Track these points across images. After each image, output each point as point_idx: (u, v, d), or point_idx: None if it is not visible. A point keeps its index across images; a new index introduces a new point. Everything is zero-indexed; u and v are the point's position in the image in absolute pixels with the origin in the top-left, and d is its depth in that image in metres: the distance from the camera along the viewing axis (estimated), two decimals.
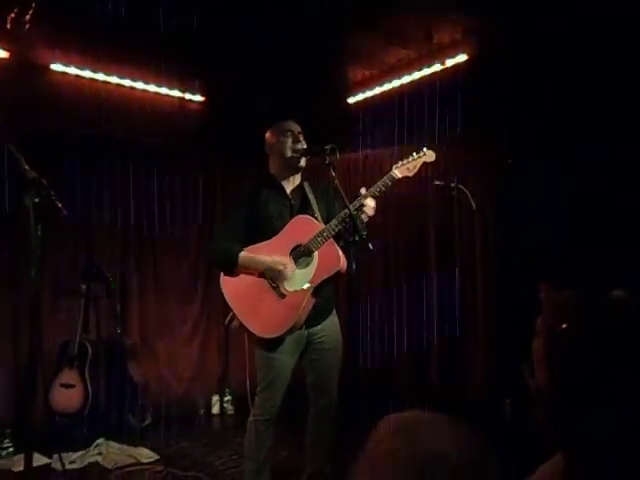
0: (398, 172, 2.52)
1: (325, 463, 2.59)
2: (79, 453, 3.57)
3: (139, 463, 3.52)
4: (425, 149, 2.60)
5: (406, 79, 4.16)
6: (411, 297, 4.22)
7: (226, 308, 2.56)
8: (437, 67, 3.93)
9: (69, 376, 3.82)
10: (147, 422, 4.32)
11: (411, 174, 2.55)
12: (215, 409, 4.77)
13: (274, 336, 2.45)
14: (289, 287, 2.48)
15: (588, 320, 0.98)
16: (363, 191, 2.47)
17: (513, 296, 3.45)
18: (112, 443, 3.75)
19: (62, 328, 3.97)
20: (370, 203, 2.44)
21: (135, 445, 3.78)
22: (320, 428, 2.60)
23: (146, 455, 3.62)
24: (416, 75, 4.09)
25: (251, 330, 2.47)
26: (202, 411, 4.73)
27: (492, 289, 3.73)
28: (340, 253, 2.49)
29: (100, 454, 3.61)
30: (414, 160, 2.56)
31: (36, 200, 1.53)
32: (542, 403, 1.01)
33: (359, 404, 3.80)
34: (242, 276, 2.52)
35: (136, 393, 4.32)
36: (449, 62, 3.85)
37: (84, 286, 3.99)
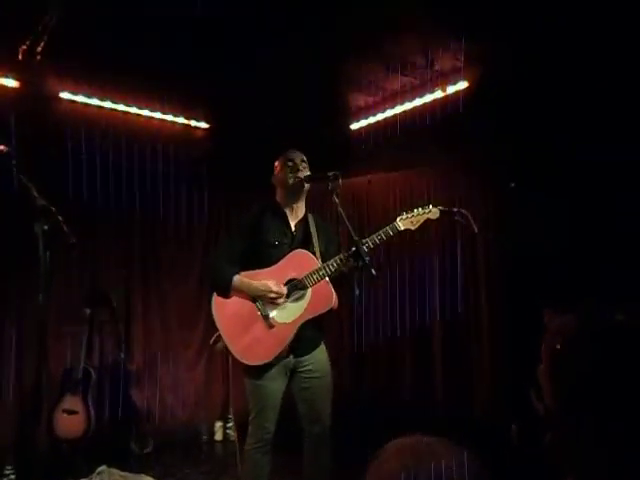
0: (401, 224, 2.57)
1: None
2: None
3: None
4: (430, 206, 2.66)
5: (407, 105, 4.23)
6: (414, 321, 4.21)
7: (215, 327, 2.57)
8: (438, 94, 4.00)
9: (72, 402, 3.80)
10: (149, 449, 4.28)
11: (413, 228, 2.61)
12: (218, 435, 4.73)
13: (257, 364, 2.47)
14: (279, 319, 2.50)
15: (586, 342, 1.01)
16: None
17: (518, 320, 3.45)
18: (114, 470, 3.70)
19: (65, 353, 3.96)
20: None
21: (137, 472, 3.73)
22: (316, 456, 2.58)
23: None
24: (417, 102, 4.16)
25: (233, 353, 2.48)
26: (205, 437, 4.69)
27: (496, 313, 3.72)
28: (333, 292, 2.52)
29: None
30: (419, 215, 2.61)
31: (45, 227, 1.56)
32: (550, 425, 1.02)
33: (359, 429, 3.76)
34: (234, 300, 2.53)
35: (139, 419, 4.29)
36: (450, 89, 3.92)
37: (88, 311, 4.00)
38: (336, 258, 2.48)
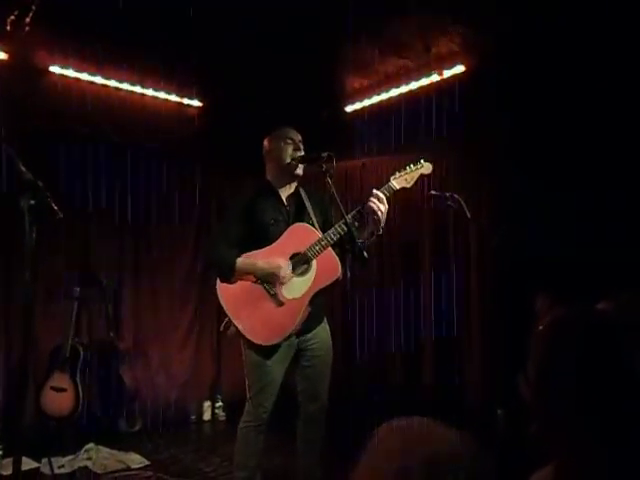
0: (396, 183, 2.53)
1: (317, 468, 2.58)
2: (68, 457, 3.55)
3: (129, 469, 3.50)
4: (422, 161, 2.61)
5: (403, 89, 4.19)
6: (406, 304, 4.22)
7: (220, 314, 2.55)
8: (434, 77, 3.96)
9: (60, 379, 3.79)
10: (138, 427, 4.30)
11: (409, 185, 2.56)
12: (207, 415, 4.75)
13: (273, 343, 2.45)
14: (287, 294, 2.48)
15: (575, 335, 1.02)
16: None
17: (508, 306, 3.46)
18: (102, 448, 3.73)
19: (54, 331, 3.94)
20: (381, 207, 2.41)
21: (125, 450, 3.75)
22: (311, 433, 2.59)
23: (136, 461, 3.60)
24: (413, 85, 4.12)
25: (248, 337, 2.45)
26: (193, 417, 4.71)
27: (487, 299, 3.73)
28: (338, 261, 2.50)
29: (90, 459, 3.58)
30: (412, 172, 2.56)
31: (32, 202, 1.53)
32: (536, 413, 1.03)
33: (352, 410, 3.79)
34: (239, 283, 2.50)
35: (128, 398, 4.30)
36: (446, 73, 3.88)
37: (77, 289, 3.97)
38: (336, 226, 2.44)
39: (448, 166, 4.00)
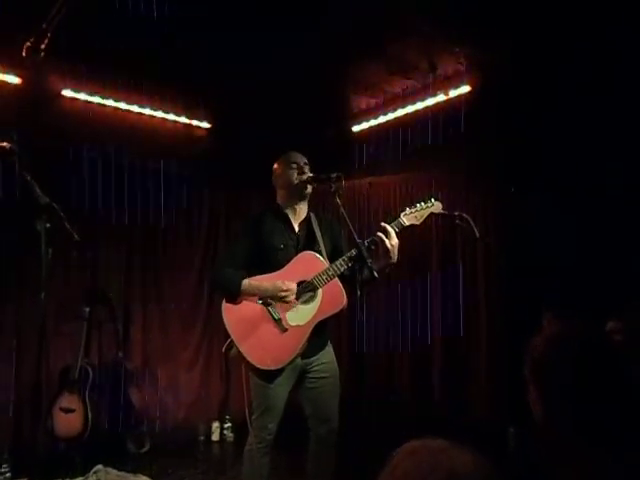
0: (406, 220, 2.55)
1: None
2: (77, 479, 3.52)
3: None
4: (433, 199, 2.64)
5: (410, 109, 4.23)
6: (414, 323, 4.21)
7: (227, 334, 2.55)
8: (440, 97, 4.00)
9: (69, 400, 3.79)
10: (146, 448, 4.27)
11: (418, 223, 2.59)
12: (215, 436, 4.71)
13: (272, 369, 2.45)
14: (291, 321, 2.49)
15: (570, 350, 1.08)
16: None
17: (517, 326, 3.45)
18: (111, 470, 3.69)
19: (64, 352, 3.95)
20: (391, 241, 2.43)
21: (134, 472, 3.72)
22: (322, 456, 2.57)
23: None
24: (419, 105, 4.16)
25: (249, 360, 2.46)
26: (202, 438, 4.67)
27: (496, 318, 3.72)
28: (343, 291, 2.51)
29: None
30: (422, 210, 2.59)
31: (47, 225, 1.56)
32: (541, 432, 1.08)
33: (361, 433, 3.76)
34: (244, 305, 2.51)
35: (136, 418, 4.29)
36: (452, 93, 3.93)
37: (87, 309, 3.99)
38: (344, 257, 2.46)
39: (454, 185, 4.02)
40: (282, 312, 2.49)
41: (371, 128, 4.55)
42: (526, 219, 3.64)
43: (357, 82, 4.16)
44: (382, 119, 4.43)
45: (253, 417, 2.53)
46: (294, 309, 2.49)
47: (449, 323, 3.99)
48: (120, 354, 4.25)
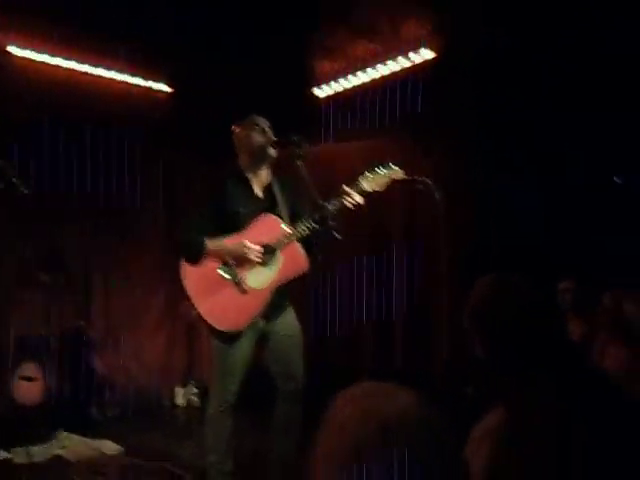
0: (366, 185, 2.49)
1: (291, 451, 2.59)
2: (40, 447, 3.50)
3: (103, 455, 3.48)
4: (392, 165, 2.57)
5: (373, 73, 4.20)
6: (376, 283, 4.28)
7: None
8: (403, 62, 3.99)
9: (29, 369, 3.74)
10: (110, 414, 4.26)
11: (381, 190, 2.54)
12: (179, 400, 4.74)
13: (232, 331, 2.47)
14: (252, 284, 2.49)
15: (507, 294, 1.30)
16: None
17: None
18: (74, 436, 3.70)
19: (22, 320, 3.88)
20: (355, 196, 2.45)
21: (99, 438, 3.73)
22: (288, 414, 2.60)
23: (110, 447, 3.58)
24: (382, 69, 4.13)
25: (208, 321, 2.48)
26: (167, 403, 4.70)
27: (456, 279, 3.82)
28: (304, 256, 2.52)
29: (63, 447, 3.55)
30: (383, 176, 2.53)
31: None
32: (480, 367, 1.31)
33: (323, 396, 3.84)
34: (204, 267, 2.51)
35: (100, 385, 4.27)
36: (416, 57, 3.92)
37: (44, 277, 3.90)
38: (304, 221, 2.46)
39: (416, 150, 4.04)
40: (242, 274, 2.49)
41: (335, 93, 4.50)
42: (491, 185, 3.71)
43: (320, 46, 4.10)
44: (346, 84, 4.39)
45: (214, 379, 2.56)
46: (254, 271, 2.49)
47: (410, 292, 4.08)
48: (82, 322, 4.19)
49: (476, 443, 1.27)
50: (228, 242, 2.50)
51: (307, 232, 2.46)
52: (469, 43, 3.61)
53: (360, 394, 0.82)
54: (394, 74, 4.08)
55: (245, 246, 2.45)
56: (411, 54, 3.89)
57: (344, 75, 4.36)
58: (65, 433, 3.68)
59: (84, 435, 3.73)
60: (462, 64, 3.68)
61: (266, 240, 2.50)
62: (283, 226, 2.52)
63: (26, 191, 1.58)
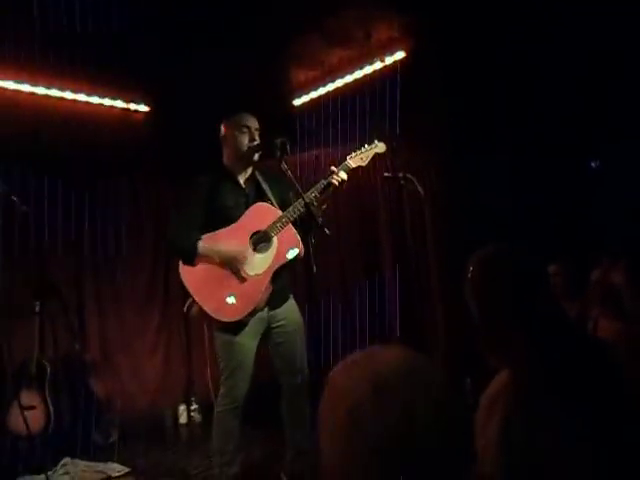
0: (352, 162, 2.66)
1: (305, 441, 2.61)
2: (42, 476, 3.44)
3: (110, 478, 3.45)
4: (376, 141, 2.75)
5: (348, 78, 4.28)
6: (369, 288, 4.33)
7: (186, 295, 2.57)
8: (377, 65, 4.07)
9: (28, 397, 3.70)
10: (113, 438, 4.22)
11: (364, 164, 2.71)
12: (182, 419, 4.71)
13: (236, 319, 2.49)
14: (250, 271, 2.54)
15: (493, 269, 1.33)
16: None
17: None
18: (79, 461, 3.65)
19: (18, 349, 3.83)
20: (341, 177, 2.57)
21: (103, 461, 3.69)
22: (296, 408, 2.62)
23: (115, 469, 3.55)
24: (358, 74, 4.22)
25: (215, 317, 2.50)
26: (169, 422, 4.66)
27: (445, 272, 3.88)
28: (299, 237, 2.58)
29: (67, 474, 3.50)
30: (367, 151, 2.71)
31: None
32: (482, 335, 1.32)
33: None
34: (201, 263, 2.55)
35: (100, 409, 4.23)
36: (388, 59, 4.01)
37: (38, 303, 3.87)
38: (296, 204, 2.53)
39: (396, 150, 4.11)
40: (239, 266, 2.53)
41: (312, 100, 4.57)
42: (466, 179, 3.80)
43: (295, 55, 4.17)
44: (322, 91, 4.46)
45: (222, 378, 2.56)
46: (252, 259, 2.54)
47: (402, 283, 4.12)
48: (77, 346, 4.16)
49: (486, 410, 1.30)
50: (222, 239, 2.54)
51: (298, 213, 2.52)
52: (437, 41, 3.71)
53: (351, 363, 0.85)
54: (368, 77, 4.16)
55: (238, 251, 2.51)
56: (386, 57, 3.97)
57: (321, 83, 4.43)
58: (69, 459, 3.64)
59: (88, 460, 3.69)
60: (431, 62, 3.78)
61: (260, 227, 2.56)
62: (274, 210, 2.58)
63: (26, 209, 1.60)
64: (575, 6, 3.05)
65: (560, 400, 1.13)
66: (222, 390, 2.57)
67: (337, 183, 2.54)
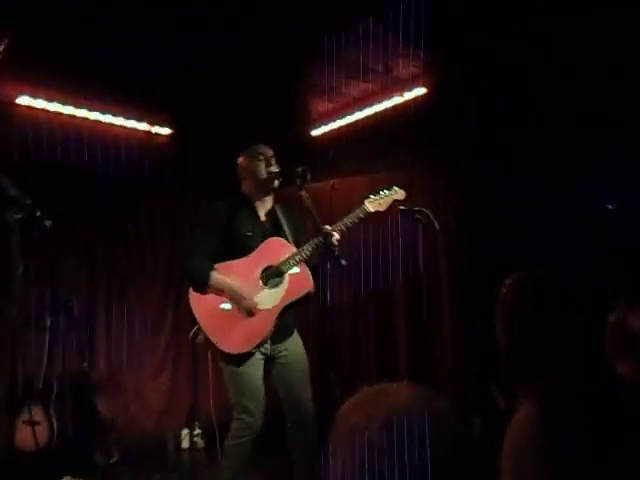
0: (370, 206, 2.66)
1: (314, 471, 2.54)
2: None
3: None
4: (396, 188, 2.76)
5: (367, 111, 4.34)
6: (380, 316, 4.30)
7: (194, 322, 2.58)
8: (397, 100, 4.13)
9: (34, 413, 3.69)
10: (114, 459, 4.18)
11: (383, 209, 2.71)
12: (185, 443, 4.65)
13: (242, 352, 2.50)
14: (260, 305, 2.55)
15: (524, 294, 1.29)
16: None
17: (479, 314, 3.58)
18: None
19: (26, 363, 3.85)
20: (335, 235, 2.55)
21: None
22: (302, 439, 2.58)
23: None
24: (377, 107, 4.28)
25: (218, 347, 2.51)
26: (171, 445, 4.61)
27: (458, 308, 3.85)
28: (310, 276, 2.58)
29: None
30: (386, 197, 2.72)
31: (18, 216, 1.55)
32: (507, 362, 1.27)
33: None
34: (212, 292, 2.57)
35: (103, 429, 4.20)
36: (408, 95, 4.06)
37: (49, 319, 3.90)
38: (310, 242, 2.54)
39: (413, 184, 4.14)
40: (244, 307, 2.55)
41: (331, 132, 4.64)
42: (482, 211, 3.80)
43: (315, 87, 4.25)
44: (341, 122, 4.53)
45: (237, 412, 2.53)
46: (262, 293, 2.55)
47: (412, 316, 4.10)
48: (85, 364, 4.16)
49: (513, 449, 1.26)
50: (234, 271, 2.56)
51: (312, 253, 2.53)
52: (457, 78, 3.75)
53: (363, 399, 0.84)
54: (388, 111, 4.21)
55: (247, 294, 2.53)
56: (406, 92, 4.03)
57: (339, 115, 4.50)
58: (69, 477, 3.60)
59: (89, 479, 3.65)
60: (452, 98, 3.82)
61: (272, 262, 2.57)
62: (289, 247, 2.60)
63: (50, 224, 1.63)
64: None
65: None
66: (236, 424, 2.53)
67: (336, 242, 2.51)
